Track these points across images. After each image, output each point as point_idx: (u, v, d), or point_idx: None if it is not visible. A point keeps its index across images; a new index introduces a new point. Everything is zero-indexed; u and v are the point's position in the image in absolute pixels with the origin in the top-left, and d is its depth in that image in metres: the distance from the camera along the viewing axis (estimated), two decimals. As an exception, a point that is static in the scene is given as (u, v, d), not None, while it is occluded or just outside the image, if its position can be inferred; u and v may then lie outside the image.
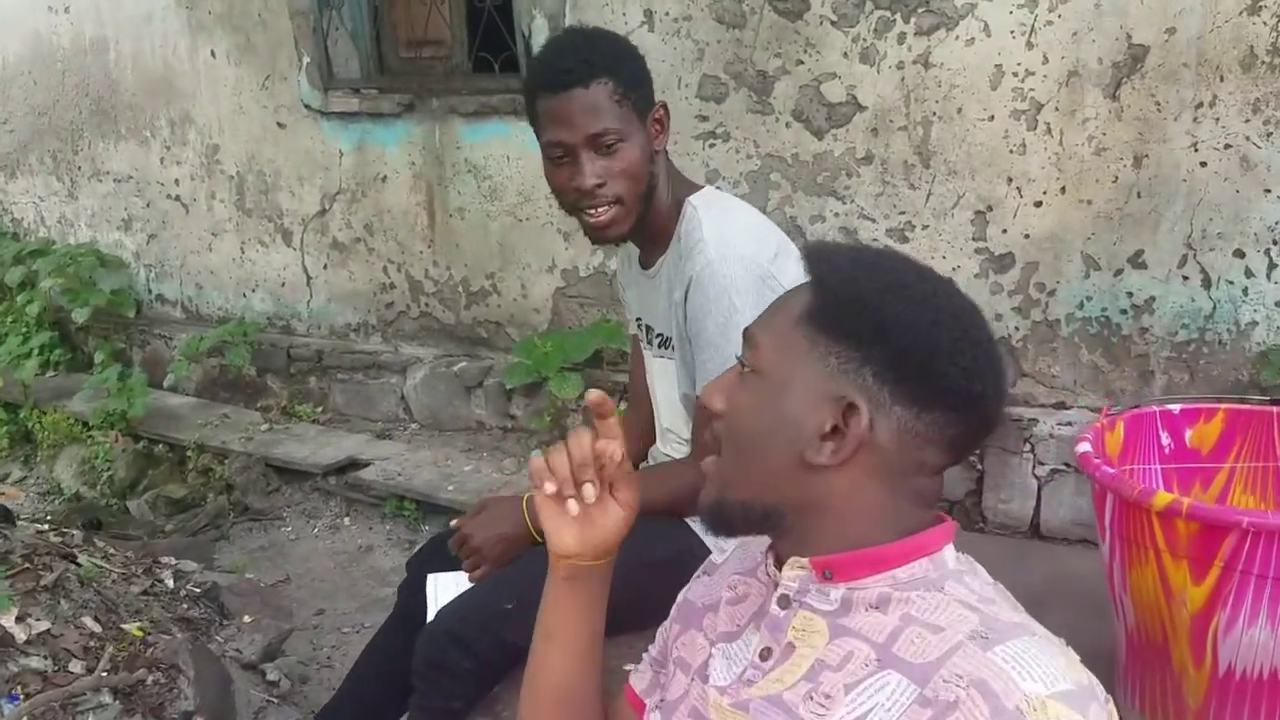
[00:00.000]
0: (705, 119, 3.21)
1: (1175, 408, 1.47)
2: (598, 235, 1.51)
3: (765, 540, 0.92)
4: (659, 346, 1.64)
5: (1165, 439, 1.46)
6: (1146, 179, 2.68)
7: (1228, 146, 2.57)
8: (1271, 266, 2.58)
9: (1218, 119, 2.57)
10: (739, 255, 1.46)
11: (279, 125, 4.10)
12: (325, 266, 4.16)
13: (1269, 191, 2.54)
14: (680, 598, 1.02)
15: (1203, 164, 2.61)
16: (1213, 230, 2.63)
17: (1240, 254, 2.61)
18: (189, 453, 3.86)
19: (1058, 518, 2.81)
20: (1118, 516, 1.25)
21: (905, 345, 0.79)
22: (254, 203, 4.29)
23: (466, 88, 3.61)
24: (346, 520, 3.49)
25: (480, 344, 3.86)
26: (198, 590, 2.77)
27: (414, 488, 3.35)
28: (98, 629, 2.21)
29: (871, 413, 0.80)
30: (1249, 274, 2.61)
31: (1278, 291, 2.58)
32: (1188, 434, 1.46)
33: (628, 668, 1.06)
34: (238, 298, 4.47)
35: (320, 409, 4.12)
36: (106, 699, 1.97)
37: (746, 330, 0.87)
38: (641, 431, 1.79)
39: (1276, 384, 2.54)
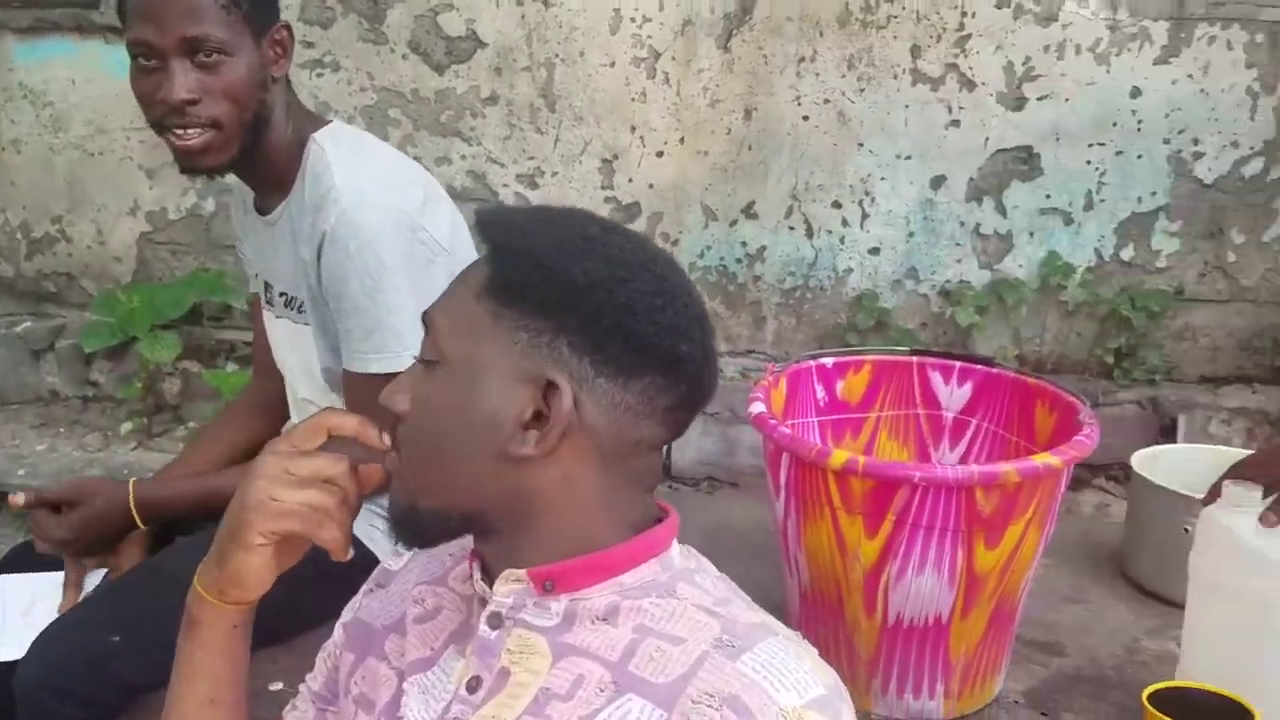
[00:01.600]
0: (311, 45, 2.89)
1: (829, 361, 1.52)
2: (187, 162, 1.29)
3: (457, 541, 0.79)
4: (285, 308, 1.41)
5: (820, 392, 1.51)
6: (756, 131, 2.80)
7: (826, 101, 2.74)
8: (864, 217, 2.80)
9: (818, 74, 2.73)
10: (381, 203, 1.29)
11: None
12: None
13: (862, 145, 2.75)
14: (348, 616, 0.86)
15: (805, 118, 2.76)
16: (814, 182, 2.81)
17: (837, 205, 2.81)
18: None
19: (686, 459, 2.92)
20: (793, 475, 1.26)
21: (599, 307, 0.70)
22: None
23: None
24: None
25: (48, 299, 3.27)
26: None
27: (-30, 474, 2.78)
28: None
29: (574, 389, 0.70)
30: (845, 224, 2.82)
31: (870, 240, 2.82)
32: (839, 386, 1.52)
33: (274, 687, 0.88)
34: None
35: None
36: None
37: (425, 314, 0.76)
38: (269, 405, 1.56)
39: (869, 326, 2.80)
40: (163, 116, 1.25)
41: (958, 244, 2.77)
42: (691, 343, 0.73)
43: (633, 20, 2.75)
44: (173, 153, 1.29)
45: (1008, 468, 1.20)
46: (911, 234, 2.78)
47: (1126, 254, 2.68)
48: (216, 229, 3.06)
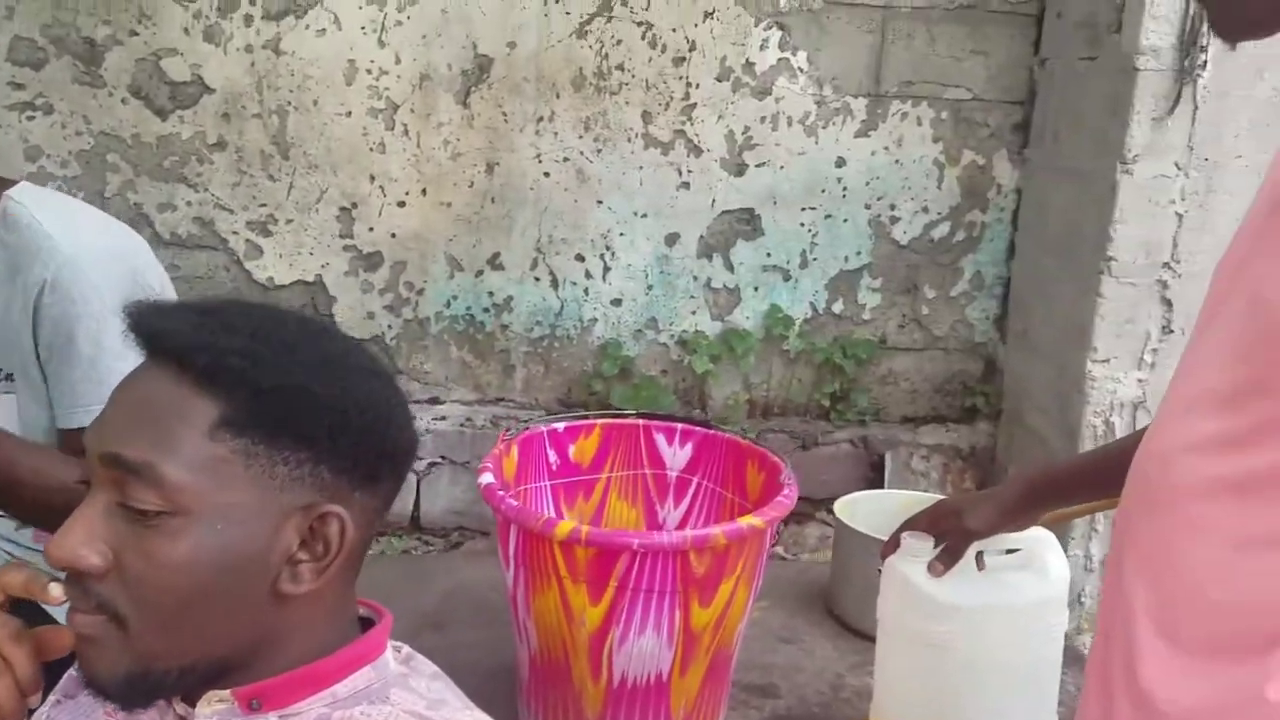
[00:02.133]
0: (21, 86, 2.68)
1: (560, 426, 1.58)
2: None
3: None
4: None
5: (553, 457, 1.57)
6: (499, 185, 2.85)
7: (566, 159, 2.84)
8: (606, 270, 2.91)
9: (556, 133, 2.82)
10: (102, 248, 1.25)
11: None
12: None
13: (601, 202, 2.86)
14: None
15: (546, 174, 2.85)
16: (558, 236, 2.89)
17: (580, 258, 2.91)
18: None
19: (436, 509, 2.91)
20: (521, 546, 1.31)
21: (349, 425, 0.68)
22: None
23: None
24: None
25: None
26: None
27: None
28: None
29: (343, 512, 0.69)
30: (588, 276, 2.92)
31: (612, 291, 2.93)
32: (571, 449, 1.59)
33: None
34: None
35: None
36: None
37: (130, 463, 0.65)
38: None
39: (614, 374, 2.91)
40: None
41: (692, 296, 2.93)
42: (411, 430, 0.75)
43: (369, 72, 2.74)
44: None
45: (717, 531, 1.30)
46: (650, 286, 2.92)
47: (837, 307, 2.93)
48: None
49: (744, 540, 1.33)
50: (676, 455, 1.65)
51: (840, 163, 2.82)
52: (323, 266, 2.87)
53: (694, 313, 2.94)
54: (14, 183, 1.30)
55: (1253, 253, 0.78)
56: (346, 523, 0.69)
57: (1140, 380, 2.42)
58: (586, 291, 2.93)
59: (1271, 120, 2.24)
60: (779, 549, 2.75)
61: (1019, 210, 2.84)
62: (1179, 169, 2.25)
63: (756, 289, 2.92)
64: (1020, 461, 2.77)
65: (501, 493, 1.33)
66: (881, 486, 2.84)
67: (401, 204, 2.84)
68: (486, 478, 1.34)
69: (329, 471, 0.69)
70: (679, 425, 1.66)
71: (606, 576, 1.26)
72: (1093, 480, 1.09)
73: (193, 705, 0.71)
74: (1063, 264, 2.56)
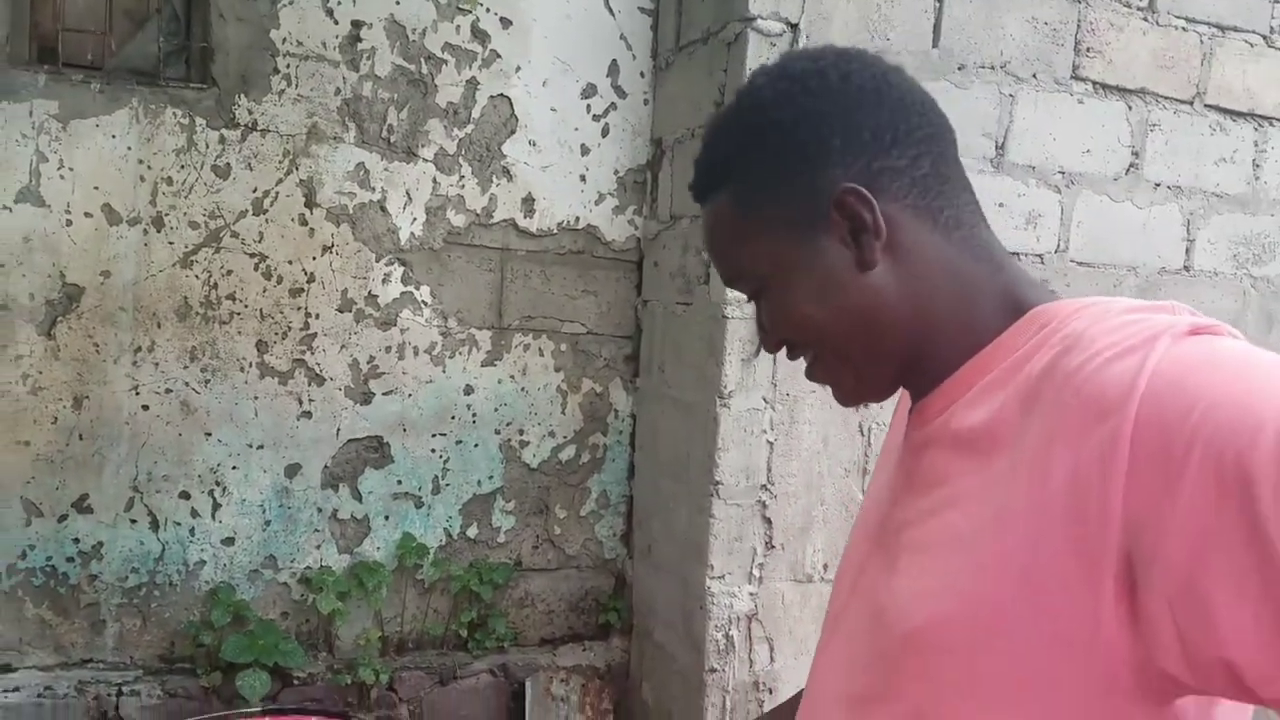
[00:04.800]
0: None
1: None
2: None
3: None
4: None
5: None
6: (89, 420, 2.57)
7: (169, 390, 2.62)
8: (216, 506, 2.68)
9: (157, 363, 2.60)
10: None
11: None
12: None
13: (210, 434, 2.66)
14: None
15: (145, 407, 2.61)
16: (159, 472, 2.63)
17: (186, 495, 2.66)
18: None
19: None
20: None
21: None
22: None
23: None
24: None
25: None
26: None
27: None
28: None
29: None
30: (195, 514, 2.67)
31: (223, 530, 2.69)
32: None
33: None
34: None
35: None
36: None
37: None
38: None
39: (226, 622, 2.64)
40: None
41: (316, 529, 2.77)
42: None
43: (-73, 299, 2.40)
44: None
45: None
46: (268, 522, 2.73)
47: (472, 532, 2.90)
48: None
49: None
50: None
51: (469, 390, 2.85)
52: None
53: (319, 547, 2.78)
54: None
55: (868, 561, 0.85)
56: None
57: (752, 594, 2.59)
58: (193, 531, 2.67)
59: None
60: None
61: (635, 433, 3.00)
62: (766, 403, 2.50)
63: (387, 517, 2.82)
64: (652, 678, 2.84)
65: None
66: (523, 718, 2.78)
67: (-35, 444, 2.47)
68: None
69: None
70: None
71: None
72: None
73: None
74: (677, 485, 2.72)
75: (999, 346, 0.78)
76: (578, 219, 2.90)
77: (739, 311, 2.44)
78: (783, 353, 0.90)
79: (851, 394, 0.88)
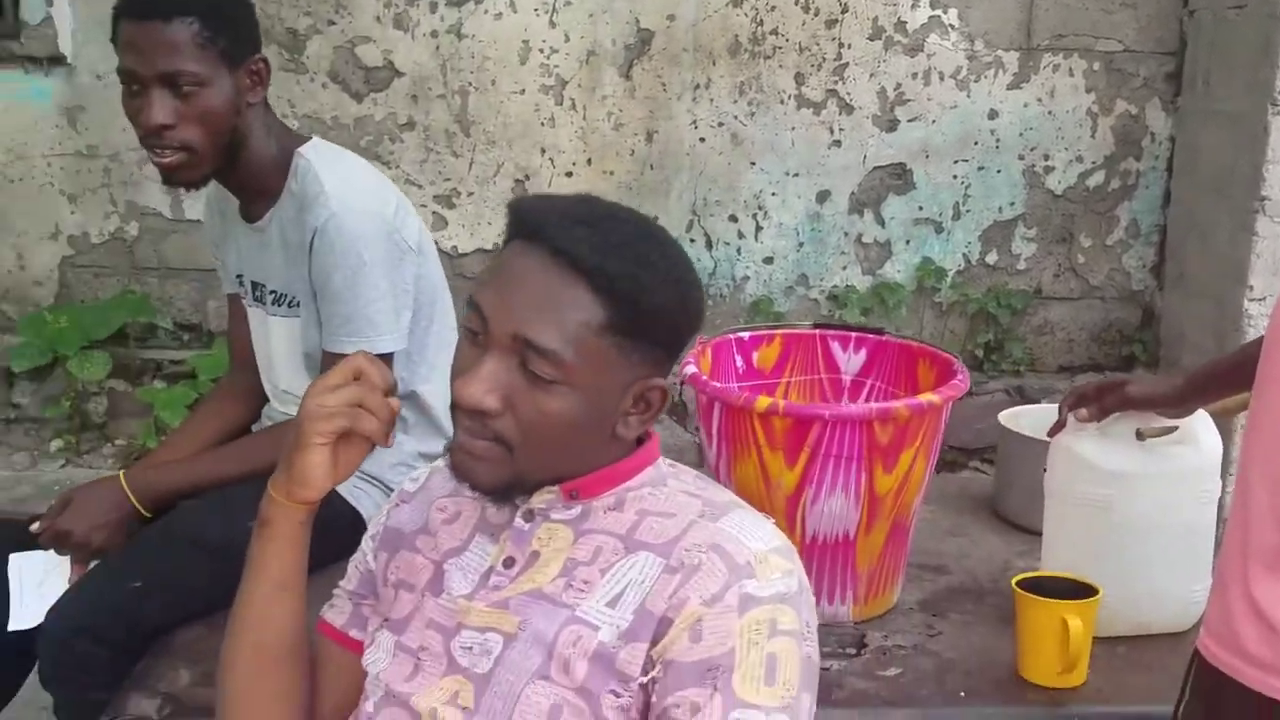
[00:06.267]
0: (234, 76, 3.02)
1: (745, 334, 1.74)
2: (165, 178, 1.47)
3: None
4: (275, 304, 1.57)
5: (739, 361, 1.72)
6: (657, 153, 3.04)
7: (721, 124, 3.01)
8: (758, 229, 3.07)
9: (712, 99, 2.99)
10: (363, 209, 1.47)
11: None
12: None
13: (754, 164, 3.02)
14: (375, 529, 1.03)
15: (701, 139, 3.02)
16: (712, 198, 3.06)
17: (734, 219, 3.07)
18: None
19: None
20: (724, 421, 1.47)
21: (693, 329, 0.92)
22: None
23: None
24: None
25: (-35, 325, 3.28)
26: None
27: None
28: None
29: (665, 384, 0.91)
30: (741, 236, 3.08)
31: (763, 250, 3.08)
32: (755, 356, 1.73)
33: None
34: None
35: None
36: None
37: (535, 344, 0.84)
38: (247, 394, 1.70)
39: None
40: (143, 137, 1.42)
41: (843, 252, 3.05)
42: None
43: (541, 51, 2.97)
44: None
45: (899, 404, 1.43)
46: (801, 244, 3.06)
47: (991, 258, 3.00)
48: (140, 252, 3.13)
49: (923, 414, 1.45)
50: (851, 360, 1.78)
51: (993, 115, 2.90)
52: (500, 235, 3.11)
53: (845, 268, 3.06)
54: (306, 139, 1.55)
55: None
56: (668, 391, 0.91)
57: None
58: (739, 251, 3.08)
59: None
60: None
61: (1173, 157, 2.86)
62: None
63: (908, 242, 3.02)
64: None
65: (705, 377, 1.50)
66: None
67: (569, 174, 3.05)
68: (690, 368, 1.51)
69: (665, 359, 0.91)
70: (853, 334, 1.79)
71: (800, 444, 1.40)
72: (1249, 370, 1.13)
73: (529, 495, 0.93)
74: (1217, 206, 2.58)
75: None
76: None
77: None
78: None
79: None
